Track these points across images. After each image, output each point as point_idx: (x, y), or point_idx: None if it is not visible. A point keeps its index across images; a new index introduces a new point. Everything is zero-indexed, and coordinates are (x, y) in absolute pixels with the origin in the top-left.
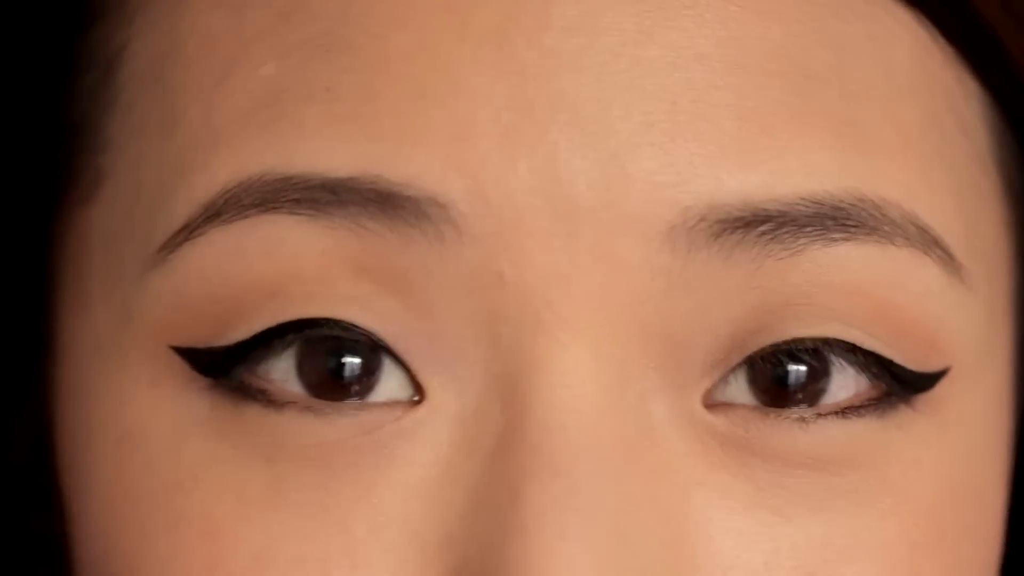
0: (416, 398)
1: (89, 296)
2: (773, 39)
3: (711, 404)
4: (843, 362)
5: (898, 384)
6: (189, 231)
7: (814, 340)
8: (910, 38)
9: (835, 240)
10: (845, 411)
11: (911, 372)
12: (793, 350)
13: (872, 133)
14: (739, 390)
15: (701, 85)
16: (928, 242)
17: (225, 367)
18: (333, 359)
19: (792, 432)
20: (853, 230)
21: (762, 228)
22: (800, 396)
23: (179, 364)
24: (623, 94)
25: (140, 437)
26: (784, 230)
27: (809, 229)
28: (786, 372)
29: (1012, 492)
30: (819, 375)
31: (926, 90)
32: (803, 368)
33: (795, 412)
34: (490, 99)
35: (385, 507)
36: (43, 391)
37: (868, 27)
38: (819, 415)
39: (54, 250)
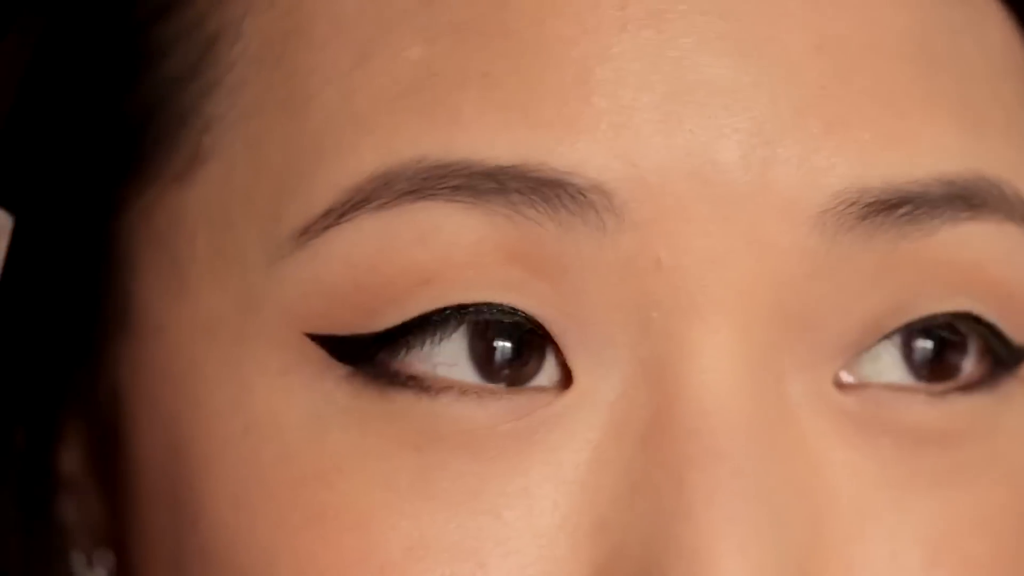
0: (565, 384)
1: (189, 279)
2: (902, 24)
3: (841, 384)
4: (973, 336)
5: (1010, 356)
6: (335, 216)
7: (945, 315)
8: (999, 22)
9: (962, 220)
10: (967, 386)
11: (1017, 346)
12: (930, 328)
13: (983, 113)
14: (873, 369)
15: (845, 68)
16: None
17: (369, 354)
18: (499, 343)
19: (920, 409)
20: (977, 209)
21: (902, 210)
22: (933, 373)
23: (314, 352)
24: (775, 79)
25: (271, 427)
26: (921, 211)
27: (941, 209)
28: (923, 349)
29: None
30: (957, 351)
31: (1017, 72)
32: (937, 345)
33: (926, 390)
34: (652, 85)
35: (536, 493)
36: (108, 369)
37: (967, 12)
38: (945, 392)
39: (128, 230)
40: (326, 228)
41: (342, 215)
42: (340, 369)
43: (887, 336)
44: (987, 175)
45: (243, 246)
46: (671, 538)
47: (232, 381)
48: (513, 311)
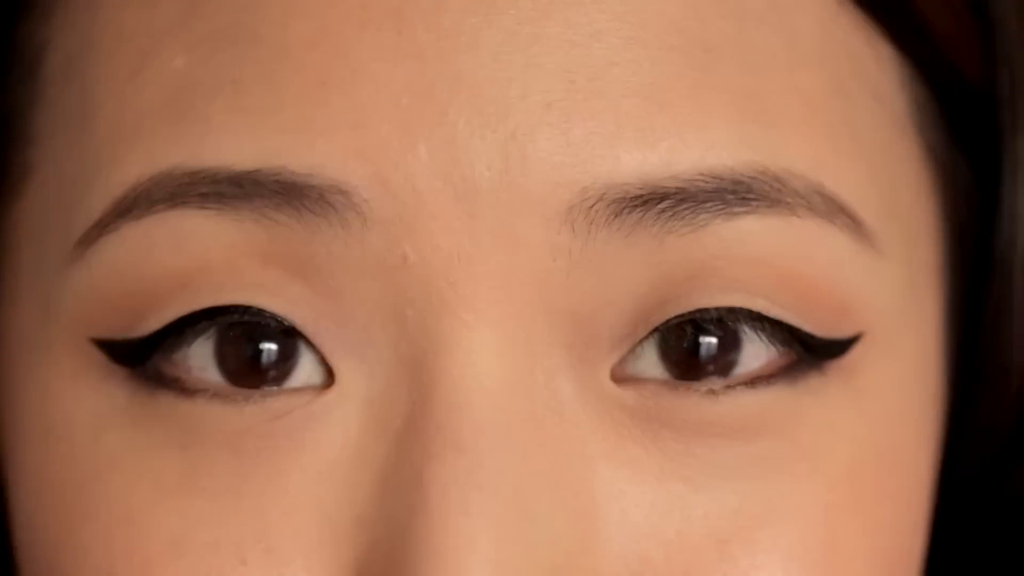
0: (327, 383)
1: (17, 290)
2: (671, 12)
3: (621, 379)
4: (751, 331)
5: (807, 351)
6: (103, 226)
7: (718, 310)
8: (816, 5)
9: (737, 214)
10: (755, 381)
11: (820, 339)
12: (700, 321)
13: (774, 104)
14: (650, 363)
15: (599, 62)
16: (834, 211)
17: (142, 357)
18: (251, 346)
19: (702, 404)
20: (755, 203)
21: (661, 206)
22: (712, 368)
23: (98, 355)
24: (521, 73)
25: (63, 428)
26: (684, 206)
27: (709, 204)
28: (697, 344)
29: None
30: (730, 346)
31: (832, 57)
32: (714, 340)
33: (705, 384)
34: (389, 84)
35: (297, 491)
36: None
37: None
38: (728, 387)
39: None
40: (97, 237)
41: (107, 224)
42: (120, 371)
43: (666, 329)
44: (769, 167)
45: (47, 256)
46: (412, 533)
47: (37, 386)
48: (264, 312)
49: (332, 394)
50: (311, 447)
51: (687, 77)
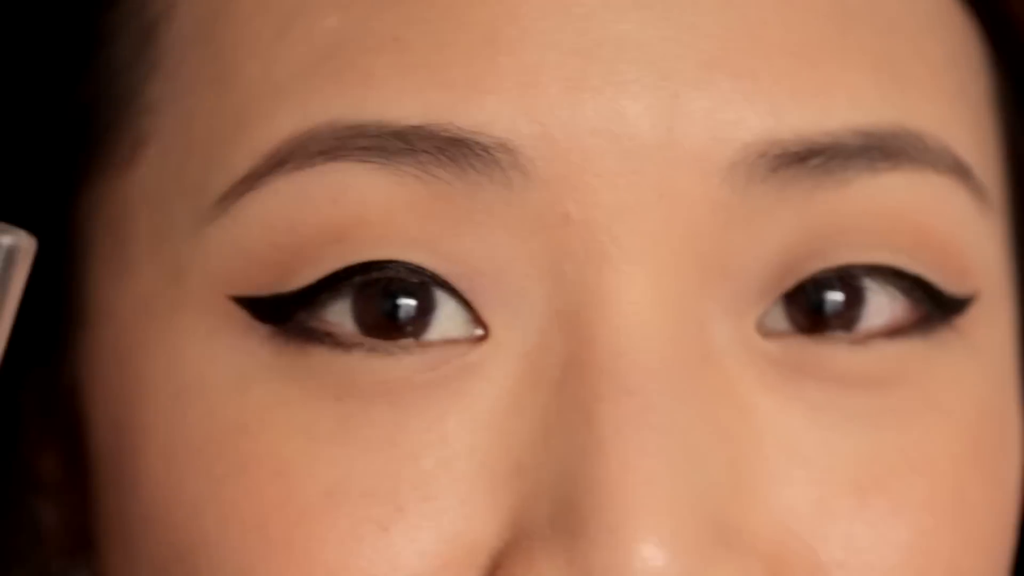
0: (479, 335)
1: (132, 259)
2: None
3: (762, 332)
4: (885, 288)
5: (936, 307)
6: (253, 180)
7: (863, 267)
8: None
9: (880, 170)
10: (892, 332)
11: (948, 295)
12: (827, 279)
13: (905, 67)
14: (776, 319)
15: (754, 22)
16: (961, 171)
17: (288, 313)
18: (388, 301)
19: (844, 354)
20: (897, 160)
21: (814, 161)
22: (836, 323)
23: (238, 313)
24: (683, 33)
25: (198, 388)
26: (835, 162)
27: (857, 160)
28: (822, 300)
29: None
30: (853, 302)
31: (945, 28)
32: (840, 296)
33: (843, 336)
34: (558, 44)
35: (453, 439)
36: (69, 364)
37: None
38: (868, 337)
39: (84, 220)
40: (244, 192)
41: (259, 179)
42: (262, 329)
43: (794, 288)
44: (908, 126)
45: (175, 220)
46: (581, 474)
47: (165, 350)
48: (418, 268)
49: (487, 346)
50: (467, 396)
51: (832, 38)
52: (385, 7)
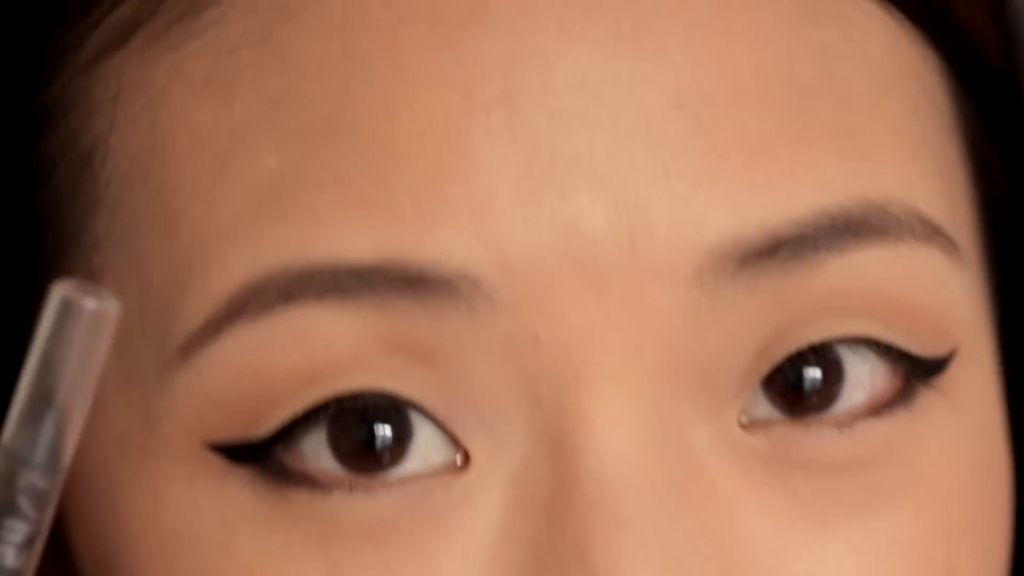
0: (459, 463)
1: (104, 398)
2: (765, 61)
3: (745, 425)
4: (861, 354)
5: (916, 370)
6: (212, 330)
7: (836, 339)
8: (881, 29)
9: (850, 249)
10: (876, 409)
11: (927, 359)
12: (802, 354)
13: (866, 135)
14: (759, 405)
15: (707, 122)
16: (930, 232)
17: (264, 452)
18: (363, 428)
19: (830, 439)
20: (865, 236)
21: (783, 252)
22: (815, 400)
23: (214, 459)
24: (634, 144)
25: (185, 536)
26: (803, 247)
27: (826, 242)
28: (800, 377)
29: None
30: (833, 378)
31: (902, 79)
32: (817, 371)
33: (829, 419)
34: (506, 169)
35: (446, 574)
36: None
37: (844, 28)
38: (854, 418)
39: None
40: (205, 342)
41: (218, 327)
42: (242, 472)
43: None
44: (872, 198)
45: (141, 363)
46: None
47: (145, 495)
48: (393, 397)
49: (471, 475)
50: (456, 530)
51: (788, 122)
52: (323, 144)
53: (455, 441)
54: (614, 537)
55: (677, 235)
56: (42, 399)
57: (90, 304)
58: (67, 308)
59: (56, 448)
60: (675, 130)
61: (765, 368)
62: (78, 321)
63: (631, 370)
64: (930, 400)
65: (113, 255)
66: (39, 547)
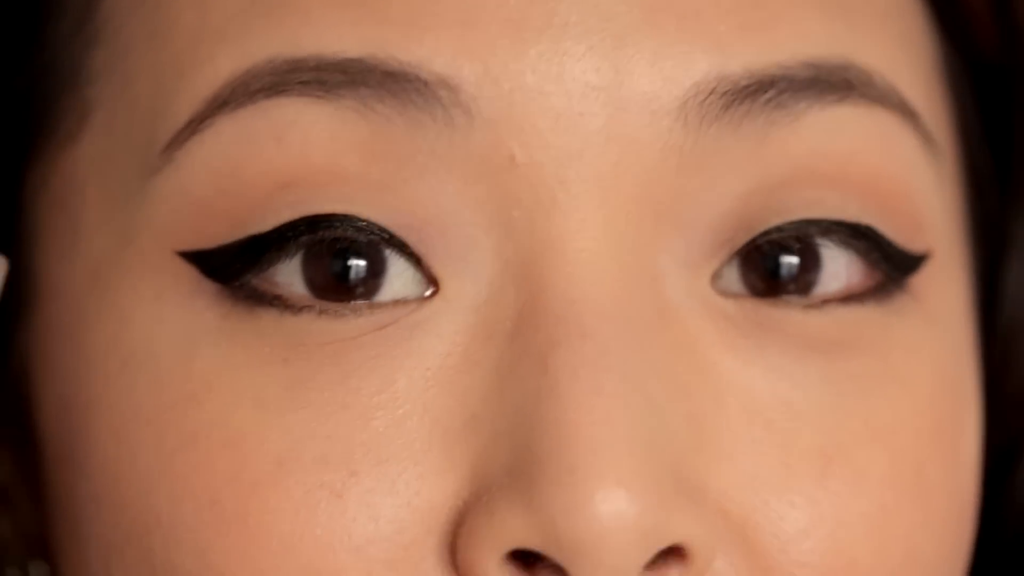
0: (429, 293)
1: (82, 230)
2: None
3: (718, 291)
4: (842, 248)
5: (890, 266)
6: (196, 125)
7: (815, 224)
8: None
9: (830, 103)
10: (846, 298)
11: (901, 250)
12: (781, 241)
13: (853, 7)
14: (731, 282)
15: None
16: (909, 114)
17: (236, 272)
18: (338, 262)
19: (798, 317)
20: (845, 92)
21: (767, 95)
22: (792, 287)
23: (186, 272)
24: None
25: (145, 354)
26: (786, 94)
27: (808, 92)
28: (778, 263)
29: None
30: (810, 266)
31: None
32: (795, 259)
33: (798, 300)
34: None
35: (404, 399)
36: (17, 353)
37: None
38: (824, 301)
39: (31, 201)
40: (188, 138)
41: (201, 122)
42: (210, 289)
43: (748, 250)
44: (855, 62)
45: (126, 181)
46: (538, 418)
47: (111, 317)
48: (367, 222)
49: (437, 301)
50: (417, 354)
51: None
52: None
53: (427, 274)
54: (577, 345)
55: (662, 68)
56: None
57: None
58: None
59: None
60: None
61: (742, 238)
62: None
63: (607, 200)
64: (903, 302)
65: (106, 84)
66: None
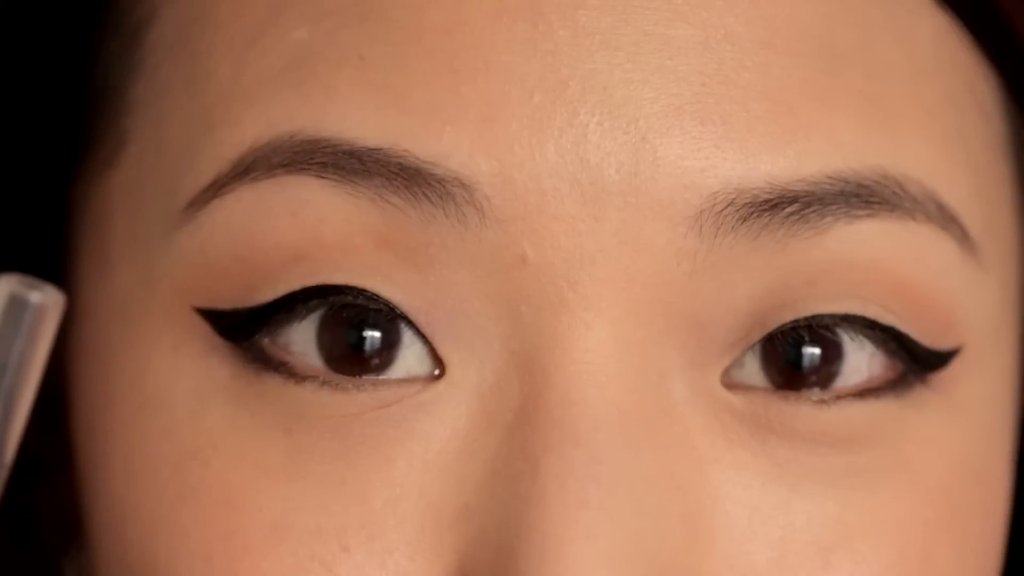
0: (436, 373)
1: (111, 258)
2: (801, 18)
3: (729, 384)
4: (860, 340)
5: (914, 362)
6: (217, 188)
7: (833, 316)
8: (931, 22)
9: (859, 217)
10: (863, 392)
11: (926, 349)
12: (810, 327)
13: (895, 110)
14: (752, 373)
15: (730, 66)
16: (947, 219)
17: (248, 332)
18: (354, 332)
19: (811, 412)
20: (876, 207)
21: (789, 209)
22: (814, 379)
23: (202, 327)
24: (653, 75)
25: (160, 403)
26: (811, 209)
27: (834, 207)
28: (800, 354)
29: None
30: (832, 357)
31: (946, 70)
32: (817, 350)
33: (813, 394)
34: (523, 78)
35: (403, 480)
36: (59, 356)
37: (891, 9)
38: (838, 397)
39: (75, 215)
40: (210, 199)
41: (223, 186)
42: (224, 347)
43: (771, 338)
44: (890, 171)
45: (149, 223)
46: (524, 522)
47: (133, 358)
48: (376, 296)
49: (442, 385)
50: (419, 436)
51: (815, 81)
52: (352, 24)
53: (436, 355)
54: (568, 453)
55: (682, 173)
56: None
57: (35, 297)
58: (13, 303)
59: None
60: (697, 68)
61: (757, 334)
62: (24, 314)
63: (617, 303)
64: (922, 395)
65: (142, 119)
66: None
